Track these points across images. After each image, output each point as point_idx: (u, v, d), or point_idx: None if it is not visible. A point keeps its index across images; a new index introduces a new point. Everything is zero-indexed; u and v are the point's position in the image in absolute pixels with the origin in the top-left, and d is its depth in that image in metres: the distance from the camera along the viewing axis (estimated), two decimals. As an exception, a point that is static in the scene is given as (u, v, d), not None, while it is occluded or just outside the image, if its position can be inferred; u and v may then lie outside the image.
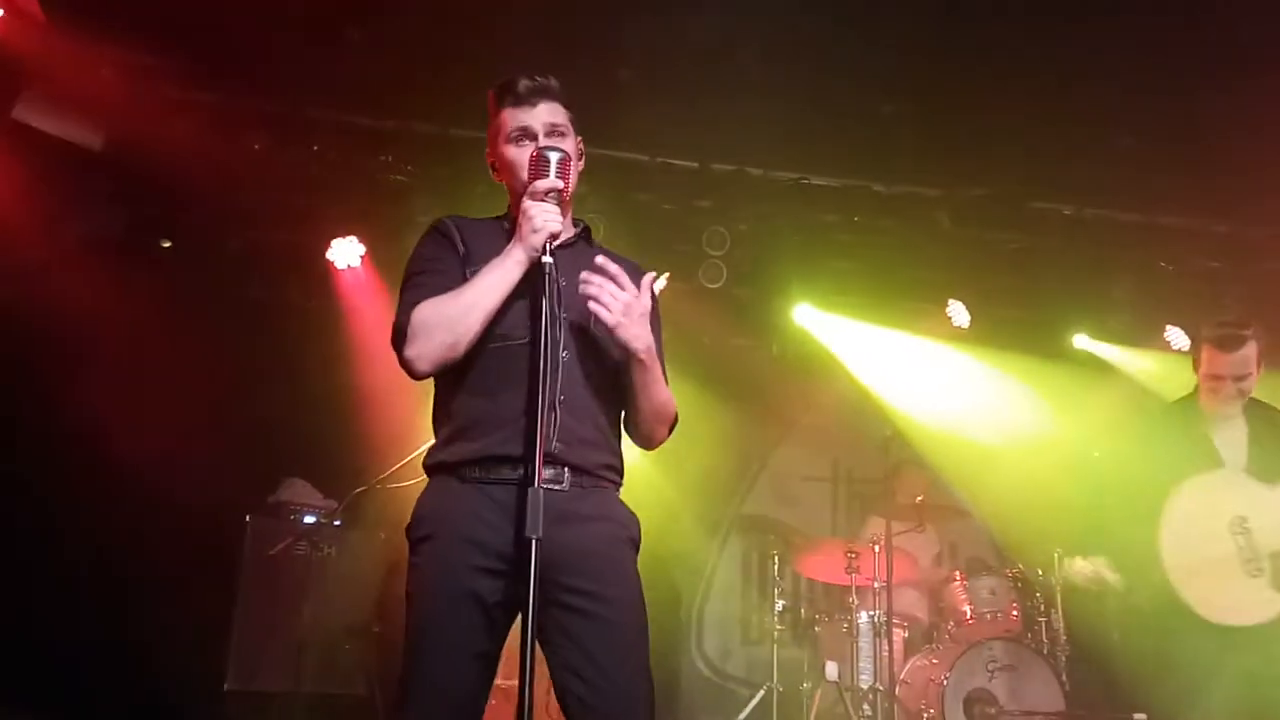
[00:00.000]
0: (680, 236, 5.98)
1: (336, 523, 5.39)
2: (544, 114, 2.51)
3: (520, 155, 2.46)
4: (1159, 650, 3.64)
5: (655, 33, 4.73)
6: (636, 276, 2.50)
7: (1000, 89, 5.09)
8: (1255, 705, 3.37)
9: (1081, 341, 6.86)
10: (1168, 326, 6.72)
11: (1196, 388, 3.96)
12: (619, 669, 2.31)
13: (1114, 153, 5.51)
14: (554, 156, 2.38)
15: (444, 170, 5.57)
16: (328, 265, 5.99)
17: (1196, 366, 3.91)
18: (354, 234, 5.95)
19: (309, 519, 5.57)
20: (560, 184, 2.37)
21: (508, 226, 2.50)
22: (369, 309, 5.94)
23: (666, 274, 5.91)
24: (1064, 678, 5.52)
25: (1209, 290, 6.55)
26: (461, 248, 2.48)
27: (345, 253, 5.97)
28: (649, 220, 5.86)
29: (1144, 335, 6.78)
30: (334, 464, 5.64)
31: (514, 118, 2.51)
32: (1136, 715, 6.01)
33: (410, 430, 4.56)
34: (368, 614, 5.46)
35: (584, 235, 2.63)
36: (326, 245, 5.96)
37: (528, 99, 2.51)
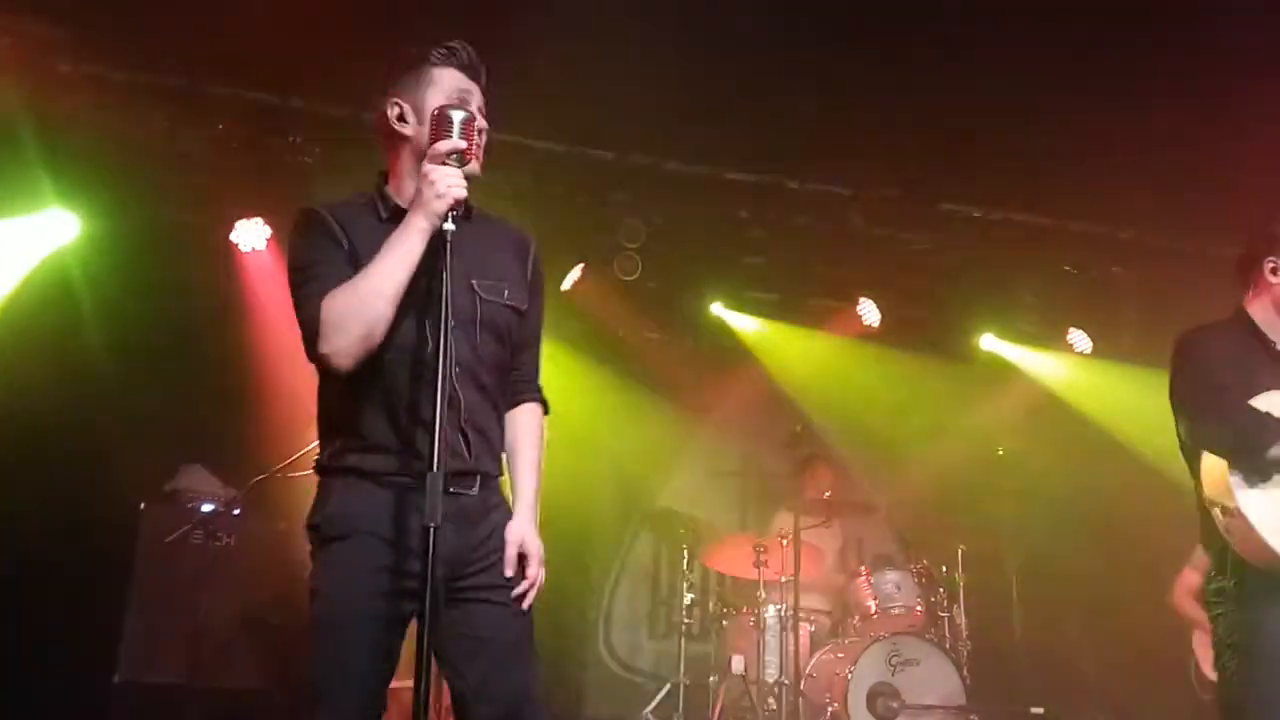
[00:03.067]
0: (595, 228, 5.95)
1: (235, 511, 5.23)
2: (479, 94, 2.43)
3: (454, 114, 2.27)
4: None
5: (572, 19, 4.69)
6: (521, 248, 2.49)
7: (914, 91, 5.15)
8: None
9: (988, 342, 7.00)
10: (1071, 329, 6.90)
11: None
12: (511, 670, 2.33)
13: (1023, 158, 5.60)
14: (469, 123, 2.27)
15: (354, 153, 5.45)
16: (231, 247, 5.83)
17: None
18: (259, 216, 5.80)
19: (207, 507, 5.38)
20: (461, 145, 2.24)
21: (381, 207, 2.40)
22: (273, 292, 5.78)
23: (580, 265, 5.89)
24: (965, 672, 5.61)
25: (1111, 295, 6.74)
26: (341, 235, 2.35)
27: (250, 235, 5.81)
28: (564, 211, 5.82)
29: (1048, 337, 6.95)
30: (234, 451, 5.48)
31: (458, 79, 2.41)
32: (1034, 709, 6.18)
33: (310, 418, 4.46)
34: (266, 605, 5.32)
35: (468, 210, 2.52)
36: (230, 227, 5.80)
37: (472, 72, 2.44)
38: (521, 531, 2.40)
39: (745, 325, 6.71)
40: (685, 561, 6.15)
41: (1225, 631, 3.09)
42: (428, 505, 2.07)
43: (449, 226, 2.19)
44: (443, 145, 2.23)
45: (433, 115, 2.28)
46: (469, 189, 2.25)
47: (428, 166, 2.24)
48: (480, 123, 2.33)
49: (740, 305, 6.60)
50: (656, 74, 4.93)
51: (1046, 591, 6.66)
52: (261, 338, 5.69)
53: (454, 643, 2.29)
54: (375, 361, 2.26)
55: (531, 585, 2.38)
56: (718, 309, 6.57)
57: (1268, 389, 3.08)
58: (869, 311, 6.66)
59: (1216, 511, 3.10)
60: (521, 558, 2.38)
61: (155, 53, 5.15)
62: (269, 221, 5.82)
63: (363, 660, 2.25)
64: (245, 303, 5.84)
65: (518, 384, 2.56)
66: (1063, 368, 6.99)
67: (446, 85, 2.39)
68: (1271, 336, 3.21)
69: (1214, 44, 4.53)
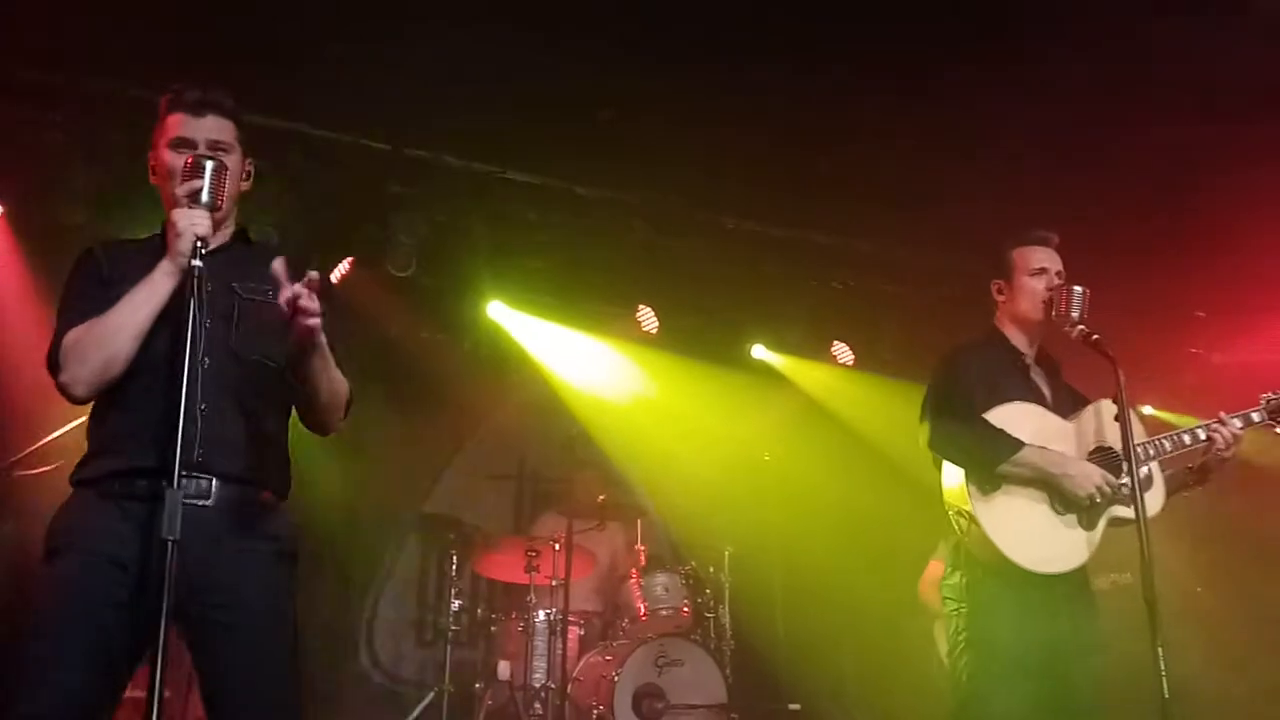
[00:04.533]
0: (369, 220, 5.72)
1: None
2: (209, 128, 2.53)
3: (176, 162, 2.46)
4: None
5: (350, 3, 4.52)
6: (297, 264, 2.51)
7: (699, 104, 5.23)
8: None
9: (759, 352, 7.23)
10: (835, 342, 7.21)
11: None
12: (262, 686, 2.35)
13: (798, 176, 5.77)
14: (208, 165, 2.38)
15: (118, 136, 5.00)
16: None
17: (1008, 274, 3.49)
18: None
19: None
20: (199, 184, 2.36)
21: (159, 243, 2.47)
22: (5, 278, 5.27)
23: (349, 258, 5.67)
24: (728, 671, 5.75)
25: (873, 310, 7.09)
26: (106, 272, 2.47)
27: (-22, 213, 5.27)
28: (335, 201, 5.56)
29: (814, 349, 7.24)
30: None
31: (178, 125, 2.53)
32: (792, 705, 6.41)
33: (44, 411, 4.10)
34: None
35: (241, 237, 2.65)
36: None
37: (196, 110, 2.53)
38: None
39: (524, 328, 6.64)
40: (454, 568, 6.01)
41: (957, 625, 3.29)
42: (166, 521, 2.09)
43: (196, 263, 2.27)
44: (183, 188, 2.38)
45: (184, 163, 2.42)
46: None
47: (173, 212, 2.38)
48: (207, 164, 2.40)
49: (520, 307, 6.52)
50: (439, 66, 4.80)
51: (808, 592, 6.93)
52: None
53: (203, 656, 2.33)
54: (126, 384, 2.36)
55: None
56: (496, 310, 6.46)
57: (1015, 400, 3.31)
58: (648, 318, 6.73)
59: (953, 515, 3.30)
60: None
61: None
62: (3, 199, 5.29)
63: (53, 673, 2.22)
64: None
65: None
66: (827, 379, 7.30)
67: (169, 135, 2.54)
68: (1022, 350, 3.45)
69: (974, 74, 4.83)
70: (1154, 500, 3.26)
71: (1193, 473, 3.35)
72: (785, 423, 7.27)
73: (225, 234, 2.58)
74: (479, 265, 6.06)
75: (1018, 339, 3.47)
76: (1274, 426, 3.38)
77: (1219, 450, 3.25)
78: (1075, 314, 3.25)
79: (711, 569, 6.26)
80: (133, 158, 4.80)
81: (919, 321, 6.83)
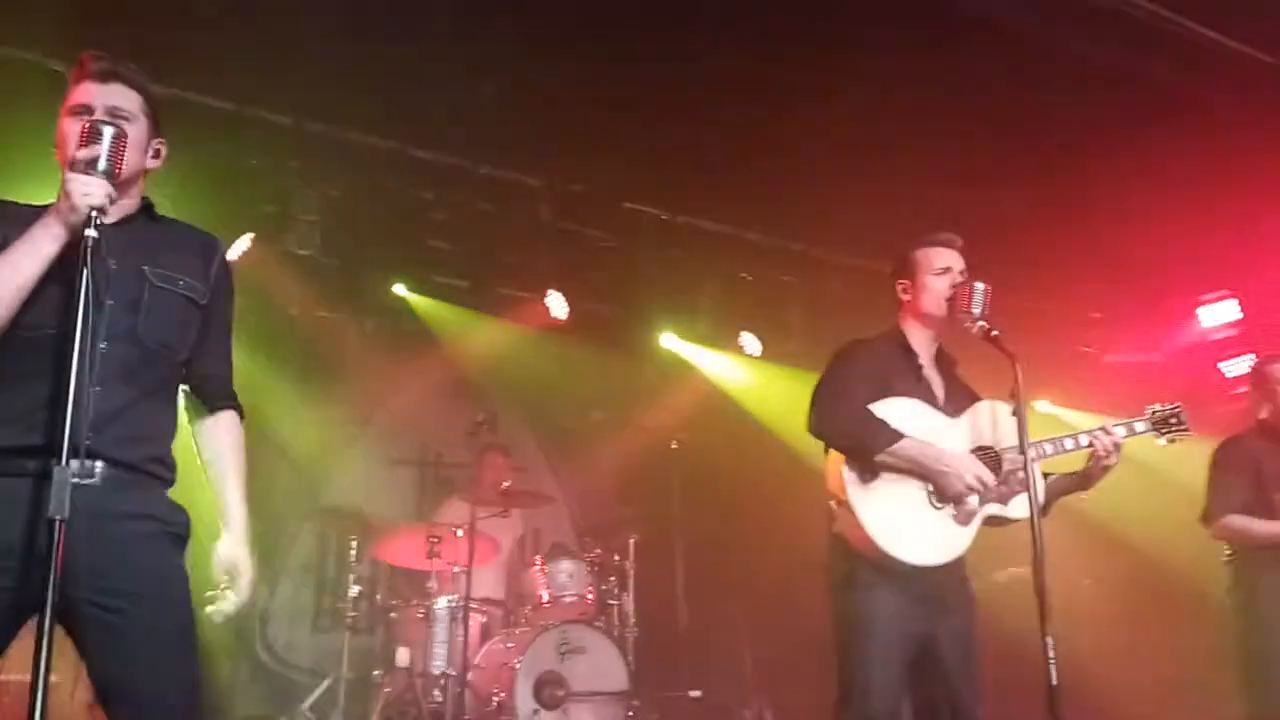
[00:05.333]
0: (268, 196, 5.53)
1: None
2: (111, 95, 2.45)
3: (73, 128, 2.37)
4: None
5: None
6: (207, 249, 2.55)
7: (606, 90, 5.19)
8: None
9: (668, 340, 7.23)
10: (742, 332, 7.26)
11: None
12: (156, 671, 2.28)
13: (707, 166, 5.78)
14: (106, 131, 2.30)
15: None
16: None
17: (912, 273, 3.53)
18: None
19: None
20: (97, 150, 2.27)
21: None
22: None
23: (250, 234, 5.48)
24: (630, 658, 5.75)
25: (780, 301, 7.15)
26: (10, 231, 2.33)
27: None
28: (234, 175, 5.37)
29: (722, 338, 7.28)
30: None
31: (80, 92, 2.45)
32: (693, 692, 6.45)
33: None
34: None
35: (146, 210, 2.55)
36: None
37: (101, 77, 2.46)
38: (232, 555, 2.48)
39: (429, 310, 6.51)
40: (354, 554, 5.89)
41: (837, 611, 3.35)
42: (53, 499, 2.03)
43: (90, 233, 2.19)
44: (81, 153, 2.28)
45: (81, 128, 2.33)
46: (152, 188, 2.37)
47: (65, 175, 2.29)
48: (106, 129, 2.32)
49: (424, 289, 6.40)
50: (341, 39, 4.67)
51: (712, 579, 6.97)
52: None
53: (91, 642, 2.25)
54: (17, 361, 2.28)
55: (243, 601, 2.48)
56: (400, 291, 6.33)
57: (902, 397, 3.35)
58: (557, 304, 6.67)
59: (832, 503, 3.34)
60: (232, 576, 2.47)
61: None
62: None
63: None
64: None
65: (213, 391, 2.60)
66: (734, 368, 7.34)
67: (70, 102, 2.46)
68: (918, 351, 3.49)
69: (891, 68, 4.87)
70: (1038, 496, 3.32)
71: (1075, 478, 3.42)
72: (693, 411, 7.30)
73: (128, 206, 2.48)
74: (381, 244, 5.92)
75: (918, 336, 3.51)
76: (1157, 437, 3.47)
77: (1100, 458, 3.33)
78: (977, 310, 3.30)
79: (617, 556, 6.25)
80: (15, 119, 4.63)
81: (827, 315, 6.92)
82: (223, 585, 2.46)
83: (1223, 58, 4.76)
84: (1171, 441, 3.47)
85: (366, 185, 5.68)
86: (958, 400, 3.47)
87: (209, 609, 2.43)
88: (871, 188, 5.55)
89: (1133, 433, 3.44)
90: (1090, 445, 3.35)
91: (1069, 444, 3.36)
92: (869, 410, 3.26)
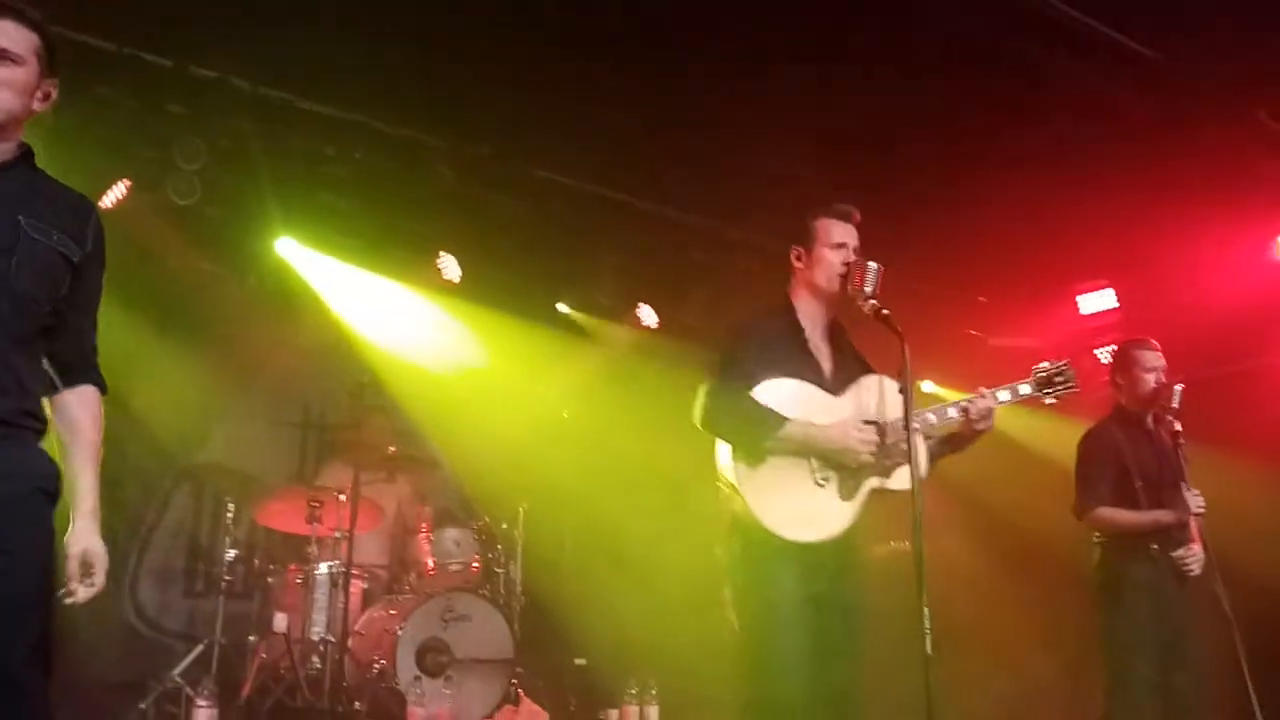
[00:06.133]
0: (148, 142, 5.24)
1: None
2: (2, 33, 2.34)
3: None
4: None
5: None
6: (82, 210, 2.46)
7: (515, 53, 5.07)
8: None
9: (564, 309, 7.16)
10: (641, 304, 7.23)
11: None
12: (9, 627, 2.18)
13: (616, 134, 5.71)
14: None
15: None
16: None
17: (809, 242, 3.54)
18: None
19: None
20: None
21: None
22: None
23: (126, 181, 5.21)
24: (515, 626, 5.72)
25: (681, 276, 7.14)
26: None
27: None
28: (111, 119, 5.08)
29: (620, 310, 7.24)
30: None
31: None
32: (578, 660, 6.46)
33: None
34: None
35: (25, 158, 2.44)
36: None
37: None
38: (84, 541, 2.38)
39: (315, 267, 6.29)
40: (231, 517, 5.70)
41: (732, 591, 3.37)
42: None
43: None
44: None
45: None
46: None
47: None
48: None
49: (312, 245, 6.17)
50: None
51: (600, 549, 6.96)
52: None
53: None
54: None
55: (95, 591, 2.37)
56: (285, 246, 6.10)
57: (788, 376, 3.35)
58: (450, 266, 6.52)
59: (721, 486, 3.36)
60: (86, 565, 2.36)
61: None
62: None
63: None
64: None
65: (71, 363, 2.48)
66: (630, 339, 7.32)
67: None
68: (805, 325, 3.50)
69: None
70: (919, 469, 3.37)
71: (947, 442, 3.46)
72: (586, 381, 7.26)
73: (6, 152, 2.38)
74: (267, 198, 5.68)
75: (808, 308, 3.51)
76: (1043, 399, 3.52)
77: (972, 420, 3.36)
78: (869, 289, 3.31)
79: (505, 525, 6.21)
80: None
81: (726, 290, 6.93)
82: (77, 576, 2.34)
83: (1108, 50, 4.88)
84: (1058, 399, 3.49)
85: (251, 135, 5.42)
86: (848, 370, 3.48)
87: (67, 600, 2.33)
88: (776, 166, 5.56)
89: (1017, 395, 3.48)
90: (964, 410, 3.36)
91: (952, 412, 3.39)
92: (754, 400, 3.27)
